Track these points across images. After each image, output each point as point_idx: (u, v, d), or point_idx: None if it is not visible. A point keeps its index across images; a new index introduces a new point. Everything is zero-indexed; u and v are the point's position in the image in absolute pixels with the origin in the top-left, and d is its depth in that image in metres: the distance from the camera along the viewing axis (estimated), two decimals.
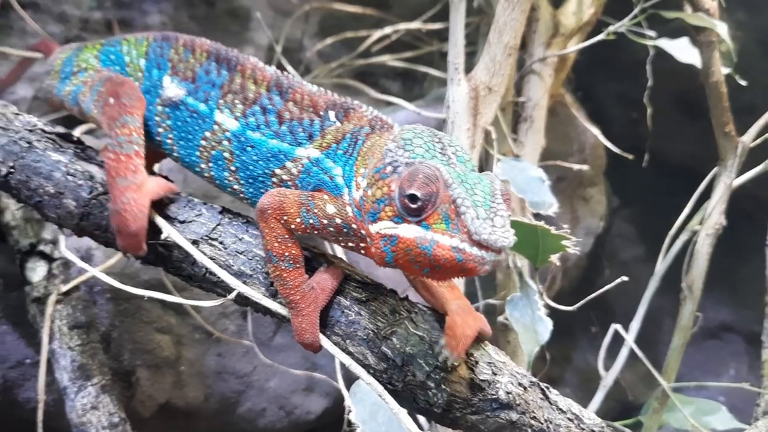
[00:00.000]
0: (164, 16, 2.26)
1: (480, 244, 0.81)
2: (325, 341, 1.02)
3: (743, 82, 1.91)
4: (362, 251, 1.01)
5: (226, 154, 1.08)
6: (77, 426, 1.38)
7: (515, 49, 1.51)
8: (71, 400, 1.39)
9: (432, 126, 1.83)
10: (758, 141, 1.72)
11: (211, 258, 1.07)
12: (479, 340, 1.06)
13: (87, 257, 1.59)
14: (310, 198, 0.99)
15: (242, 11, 2.39)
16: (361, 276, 1.07)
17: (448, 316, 1.02)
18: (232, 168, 1.09)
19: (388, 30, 2.14)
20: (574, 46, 1.93)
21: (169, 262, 1.10)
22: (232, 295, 1.05)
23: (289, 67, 2.04)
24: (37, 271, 1.45)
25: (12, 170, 1.12)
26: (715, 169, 1.79)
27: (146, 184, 1.05)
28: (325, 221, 0.98)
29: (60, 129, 1.17)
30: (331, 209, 0.98)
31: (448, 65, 1.50)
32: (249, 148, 1.07)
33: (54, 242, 1.49)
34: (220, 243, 1.08)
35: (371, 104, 2.19)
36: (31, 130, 1.15)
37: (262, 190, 1.06)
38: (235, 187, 1.10)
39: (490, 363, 1.05)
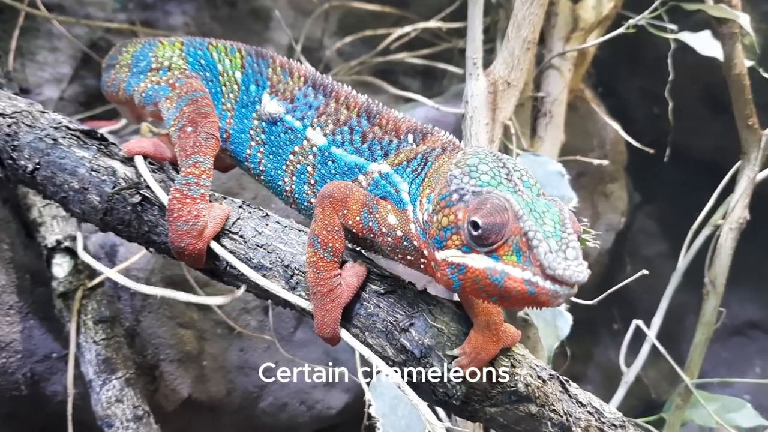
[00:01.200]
0: (187, 17, 2.29)
1: (554, 279, 0.80)
2: (344, 333, 1.03)
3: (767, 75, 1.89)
4: (421, 267, 1.01)
5: (309, 168, 1.11)
6: (102, 418, 1.40)
7: (534, 44, 1.51)
8: (96, 393, 1.41)
9: (451, 121, 1.85)
10: None
11: (231, 251, 1.09)
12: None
13: (111, 253, 1.62)
14: (375, 202, 1.00)
15: (263, 11, 2.41)
16: (380, 269, 1.08)
17: (472, 329, 1.01)
18: (312, 182, 1.11)
19: (407, 28, 2.15)
20: (593, 41, 1.92)
21: None
22: (239, 292, 1.07)
23: (309, 66, 2.05)
24: (63, 266, 1.47)
25: (38, 166, 1.14)
26: (738, 163, 1.77)
27: (206, 228, 1.06)
28: (384, 229, 0.99)
29: (84, 126, 1.19)
30: (392, 220, 0.99)
31: (466, 60, 1.50)
32: (330, 162, 1.09)
33: None
34: (241, 236, 1.09)
35: (390, 101, 2.21)
36: (56, 127, 1.18)
37: None
38: (312, 200, 1.12)
39: (509, 355, 1.05)
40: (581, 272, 0.80)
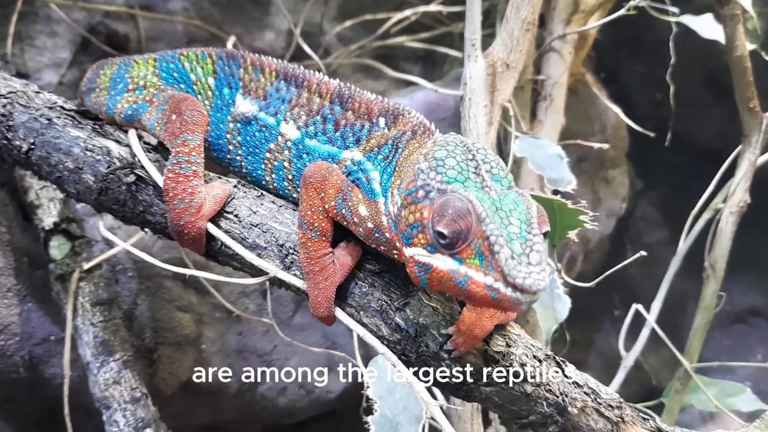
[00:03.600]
0: (186, 1, 2.28)
1: (515, 286, 0.79)
2: (339, 313, 1.03)
3: None
4: (394, 256, 1.01)
5: (285, 163, 1.10)
6: (100, 400, 1.40)
7: (533, 25, 1.50)
8: (94, 375, 1.41)
9: (450, 105, 1.84)
10: None
11: (226, 231, 1.08)
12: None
13: None
14: (350, 189, 0.99)
15: None
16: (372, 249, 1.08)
17: (465, 307, 1.00)
18: (290, 177, 1.11)
19: (407, 12, 2.13)
20: (594, 23, 1.90)
21: None
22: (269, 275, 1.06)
23: (308, 50, 2.04)
24: (60, 249, 1.47)
25: (33, 146, 1.14)
26: (739, 147, 1.75)
27: (204, 205, 1.06)
28: (356, 219, 0.98)
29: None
30: (363, 211, 0.98)
31: (464, 42, 1.49)
32: (305, 155, 1.09)
33: (76, 221, 1.52)
34: (235, 216, 1.09)
35: (391, 85, 2.19)
36: (50, 108, 1.18)
37: None
38: (294, 195, 1.11)
39: (504, 335, 1.05)
40: (542, 280, 0.79)
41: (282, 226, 1.08)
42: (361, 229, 0.99)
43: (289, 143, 1.10)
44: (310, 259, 1.00)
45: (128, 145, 1.16)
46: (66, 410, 1.44)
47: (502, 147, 1.66)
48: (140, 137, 1.18)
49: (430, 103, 1.88)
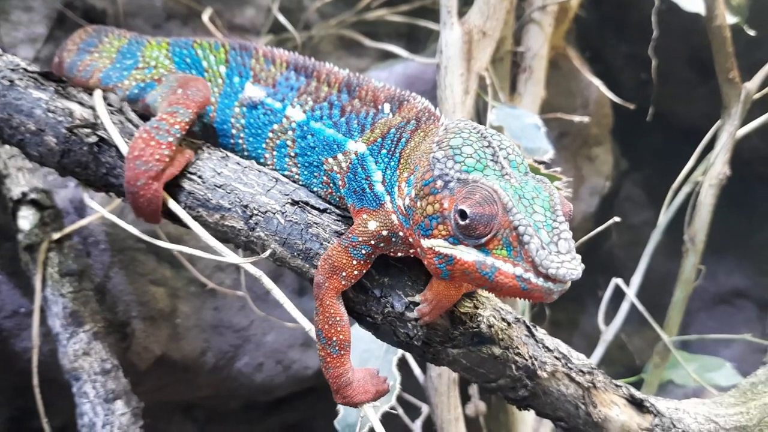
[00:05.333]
0: None
1: (547, 276, 0.77)
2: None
3: (752, 32, 1.86)
4: (411, 254, 0.97)
5: (289, 142, 1.09)
6: (69, 372, 1.38)
7: None
8: (63, 346, 1.39)
9: (430, 78, 1.81)
10: (766, 91, 1.68)
11: (189, 192, 1.06)
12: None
13: (80, 207, 1.59)
14: (349, 236, 0.96)
15: None
16: (341, 209, 1.06)
17: (433, 277, 0.98)
18: (292, 153, 1.09)
19: None
20: None
21: None
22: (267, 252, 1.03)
23: (287, 24, 2.02)
24: (28, 219, 1.45)
25: None
26: (719, 121, 1.74)
27: (164, 172, 1.04)
28: (373, 241, 0.95)
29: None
30: (373, 225, 0.95)
31: (440, 9, 1.47)
32: (309, 136, 1.07)
33: (46, 191, 1.49)
34: (199, 177, 1.07)
35: (372, 62, 2.16)
36: (13, 69, 1.15)
37: (315, 174, 1.07)
38: (293, 170, 1.10)
39: (471, 297, 1.03)
40: (575, 269, 0.77)
41: (246, 187, 1.06)
42: (382, 244, 0.95)
43: (293, 124, 1.09)
44: (330, 376, 0.99)
45: (92, 107, 1.13)
46: (35, 381, 1.42)
47: (481, 118, 1.64)
48: (105, 99, 1.15)
49: (409, 75, 1.86)
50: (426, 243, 0.85)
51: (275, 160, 1.11)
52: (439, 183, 0.84)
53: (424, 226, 0.85)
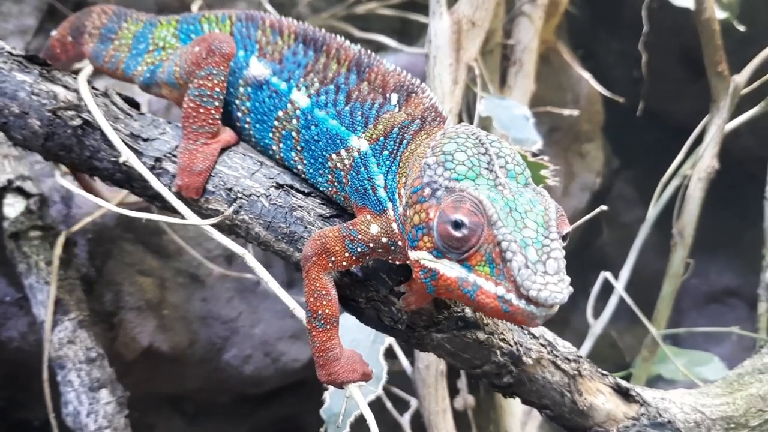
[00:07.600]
0: None
1: (528, 298, 0.71)
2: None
3: (741, 28, 1.87)
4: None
5: (294, 133, 1.04)
6: (54, 360, 1.38)
7: None
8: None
9: (420, 69, 1.81)
10: (755, 85, 1.68)
11: (173, 175, 1.06)
12: None
13: (68, 197, 1.58)
14: (350, 227, 0.92)
15: None
16: (325, 194, 1.06)
17: None
18: (298, 147, 1.04)
19: None
20: None
21: (133, 181, 1.09)
22: (229, 211, 1.03)
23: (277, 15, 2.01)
24: (14, 206, 1.44)
25: None
26: (708, 115, 1.75)
27: (220, 134, 1.07)
28: (372, 244, 0.91)
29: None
30: (375, 229, 0.91)
31: None
32: (313, 127, 1.02)
33: (32, 179, 1.48)
34: None
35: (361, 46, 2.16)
36: None
37: (320, 172, 1.03)
38: (299, 167, 1.06)
39: None
40: (560, 292, 0.71)
41: (230, 170, 1.06)
42: (380, 250, 0.92)
43: (298, 112, 1.03)
44: (315, 350, 0.95)
45: (77, 90, 1.12)
46: (45, 375, 1.40)
47: (470, 109, 1.64)
48: (89, 82, 1.14)
49: (400, 66, 1.85)
50: (413, 255, 0.81)
51: (282, 153, 1.07)
52: (427, 191, 0.80)
53: (411, 237, 0.81)
